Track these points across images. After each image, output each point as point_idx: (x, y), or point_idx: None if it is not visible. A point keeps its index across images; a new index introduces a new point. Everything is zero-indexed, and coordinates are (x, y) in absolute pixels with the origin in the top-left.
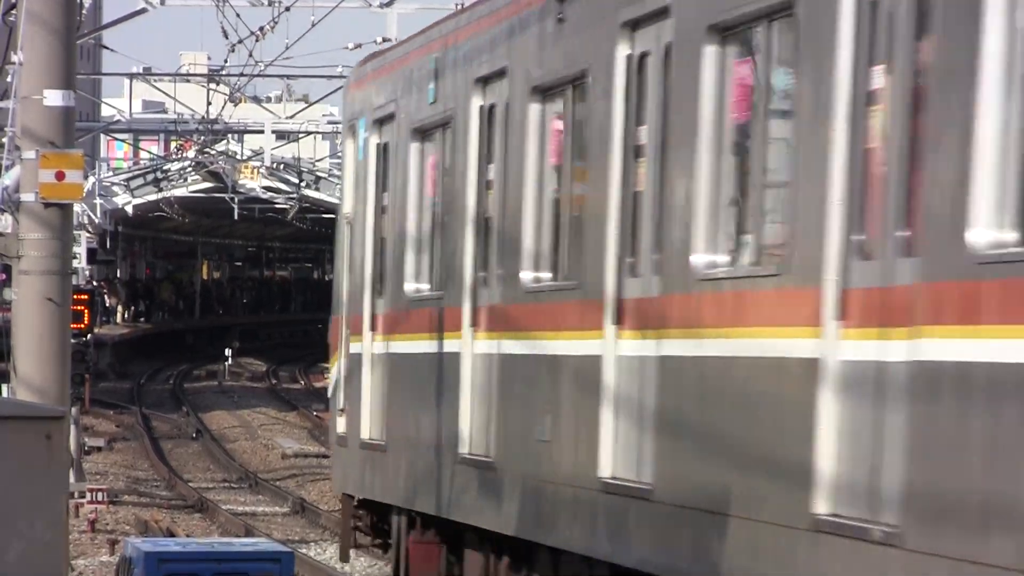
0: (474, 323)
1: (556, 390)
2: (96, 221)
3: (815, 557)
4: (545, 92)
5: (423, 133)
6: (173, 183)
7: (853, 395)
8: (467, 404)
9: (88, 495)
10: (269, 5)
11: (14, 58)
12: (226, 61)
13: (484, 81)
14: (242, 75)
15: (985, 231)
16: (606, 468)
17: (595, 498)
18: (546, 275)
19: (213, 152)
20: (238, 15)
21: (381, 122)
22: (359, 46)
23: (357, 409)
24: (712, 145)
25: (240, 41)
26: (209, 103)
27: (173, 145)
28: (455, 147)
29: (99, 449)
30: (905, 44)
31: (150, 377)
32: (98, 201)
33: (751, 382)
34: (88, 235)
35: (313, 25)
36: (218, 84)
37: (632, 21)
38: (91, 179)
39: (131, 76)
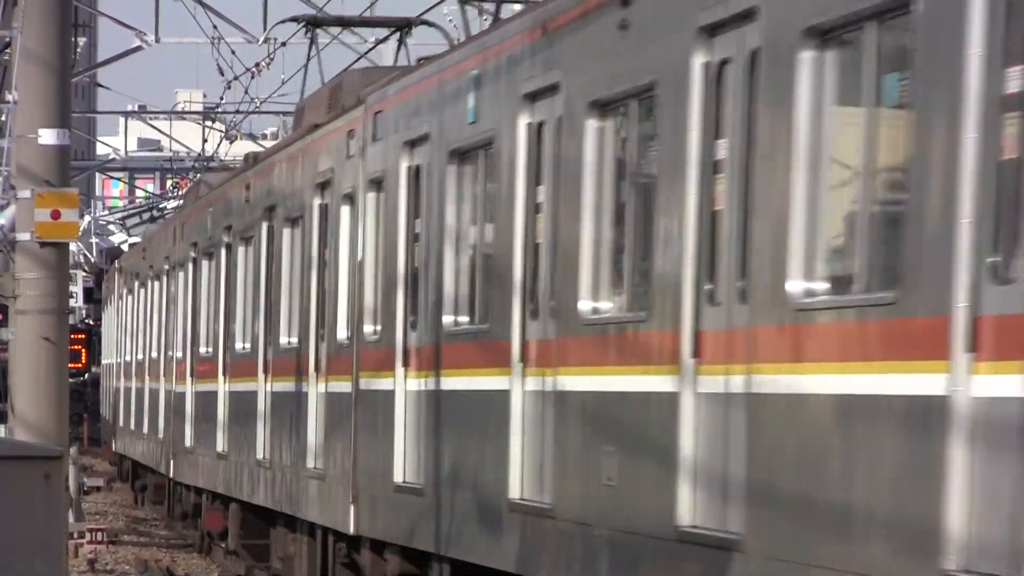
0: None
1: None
2: (92, 260)
3: None
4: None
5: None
6: None
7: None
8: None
9: (87, 535)
10: (264, 42)
11: (9, 97)
12: (222, 98)
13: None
14: (238, 112)
15: None
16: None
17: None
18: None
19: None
20: (233, 52)
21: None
22: None
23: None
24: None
25: (236, 78)
26: (205, 140)
27: (169, 183)
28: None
29: (98, 489)
30: None
31: None
32: (94, 240)
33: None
34: (84, 274)
35: (309, 59)
36: (214, 121)
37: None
38: (87, 218)
39: (126, 114)
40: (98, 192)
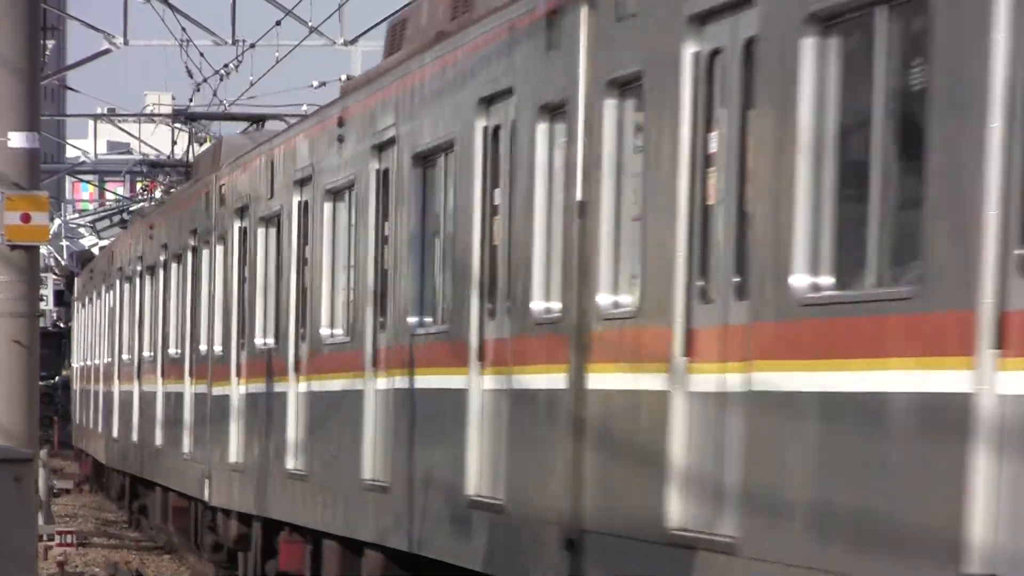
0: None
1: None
2: (63, 263)
3: None
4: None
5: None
6: None
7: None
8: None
9: (57, 537)
10: (233, 44)
11: None
12: (191, 100)
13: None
14: (208, 115)
15: None
16: None
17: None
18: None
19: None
20: (202, 54)
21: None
22: (323, 84)
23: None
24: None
25: (204, 80)
26: (174, 143)
27: (139, 186)
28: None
29: (68, 491)
30: None
31: None
32: (64, 243)
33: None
34: (55, 277)
35: (277, 61)
36: (184, 123)
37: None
38: (57, 221)
39: (95, 117)
40: (68, 195)
